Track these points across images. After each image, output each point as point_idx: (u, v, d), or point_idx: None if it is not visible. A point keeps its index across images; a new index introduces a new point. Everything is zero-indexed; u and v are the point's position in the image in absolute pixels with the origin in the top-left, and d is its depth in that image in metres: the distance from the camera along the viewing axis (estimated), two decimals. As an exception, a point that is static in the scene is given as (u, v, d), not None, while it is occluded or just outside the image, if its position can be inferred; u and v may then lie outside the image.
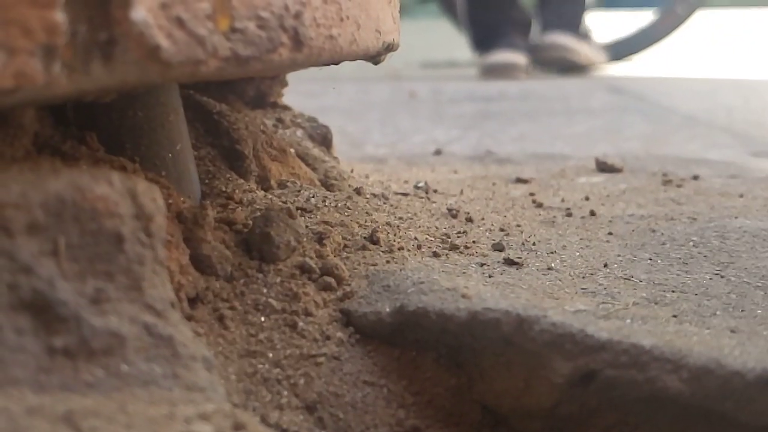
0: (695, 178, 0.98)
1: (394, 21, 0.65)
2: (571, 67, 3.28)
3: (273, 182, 0.71)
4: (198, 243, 0.55)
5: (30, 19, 0.37)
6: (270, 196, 0.67)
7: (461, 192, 0.89)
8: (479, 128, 1.89)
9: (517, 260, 0.65)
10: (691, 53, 4.30)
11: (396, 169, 1.05)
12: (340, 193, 0.73)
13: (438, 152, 1.26)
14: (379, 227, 0.67)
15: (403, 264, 0.62)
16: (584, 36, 3.38)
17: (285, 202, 0.66)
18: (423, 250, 0.66)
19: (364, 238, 0.65)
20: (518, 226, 0.76)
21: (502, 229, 0.74)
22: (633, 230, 0.75)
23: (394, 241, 0.66)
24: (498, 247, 0.69)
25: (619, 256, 0.68)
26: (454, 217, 0.76)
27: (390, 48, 0.65)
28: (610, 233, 0.75)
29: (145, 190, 0.47)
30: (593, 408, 0.53)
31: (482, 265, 0.65)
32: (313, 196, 0.70)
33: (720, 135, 1.74)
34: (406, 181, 0.92)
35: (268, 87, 0.86)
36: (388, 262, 0.63)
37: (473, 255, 0.67)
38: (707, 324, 0.55)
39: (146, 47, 0.41)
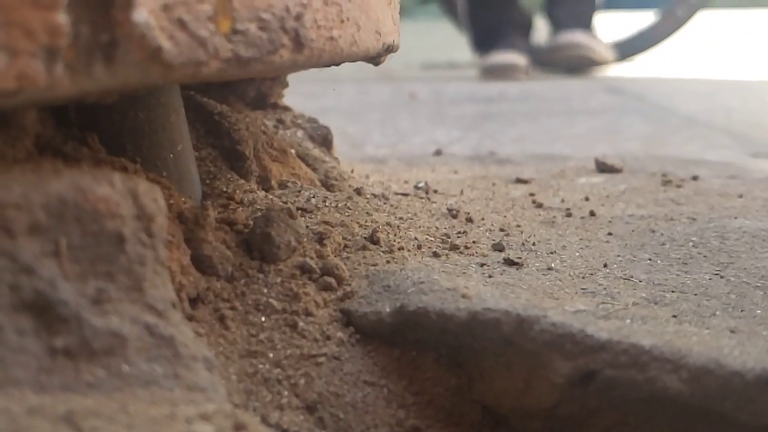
0: (695, 178, 0.98)
1: (394, 22, 0.65)
2: (587, 65, 3.23)
3: (273, 183, 0.72)
4: (199, 243, 0.56)
5: (32, 20, 0.38)
6: (270, 197, 0.67)
7: (461, 192, 0.89)
8: (479, 129, 1.89)
9: (517, 260, 0.65)
10: (691, 54, 4.30)
11: (396, 169, 1.06)
12: (341, 194, 0.74)
13: (438, 153, 1.26)
14: (379, 227, 0.67)
15: (404, 264, 0.62)
16: (596, 35, 3.35)
17: (285, 203, 0.66)
18: (423, 250, 0.67)
19: (365, 238, 0.65)
20: (518, 226, 0.76)
21: (502, 230, 0.74)
22: (633, 230, 0.75)
23: (395, 241, 0.66)
24: (498, 248, 0.69)
25: (618, 256, 0.68)
26: (454, 217, 0.77)
27: (390, 49, 0.65)
28: (609, 233, 0.75)
29: (147, 190, 0.47)
30: (593, 408, 0.53)
31: (482, 265, 0.65)
32: (314, 197, 0.70)
33: (719, 136, 1.74)
34: (406, 182, 0.92)
35: (268, 88, 0.86)
36: (388, 262, 0.63)
37: (473, 255, 0.67)
38: (707, 324, 0.55)
39: (148, 49, 0.41)
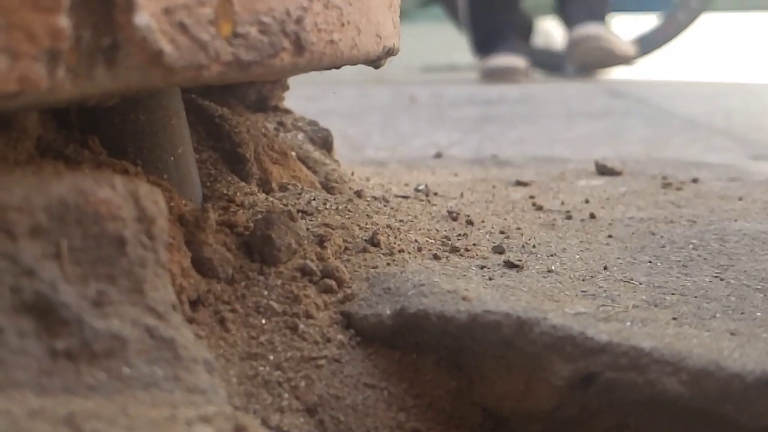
0: (695, 181, 0.98)
1: (394, 26, 0.65)
2: (608, 60, 3.15)
3: (274, 185, 0.72)
4: (199, 246, 0.56)
5: (34, 23, 0.38)
6: (271, 199, 0.67)
7: (461, 195, 0.89)
8: (479, 131, 1.89)
9: (517, 263, 0.65)
10: (692, 57, 4.31)
11: (396, 172, 1.06)
12: (341, 196, 0.74)
13: (438, 155, 1.26)
14: (379, 230, 0.67)
15: (404, 266, 0.63)
16: (609, 29, 3.27)
17: (286, 205, 0.66)
18: (423, 252, 0.67)
19: (365, 240, 0.65)
20: (518, 228, 0.76)
21: (502, 232, 0.74)
22: (633, 233, 0.76)
23: (395, 243, 0.66)
24: (498, 250, 0.69)
25: (618, 258, 0.68)
26: (455, 219, 0.77)
27: (390, 52, 0.65)
28: (609, 236, 0.75)
29: (147, 193, 0.48)
30: (593, 410, 0.53)
31: (482, 267, 0.65)
32: (314, 199, 0.70)
33: (720, 138, 1.75)
34: (406, 184, 0.93)
35: (269, 91, 0.86)
36: (388, 264, 0.63)
37: (473, 257, 0.67)
38: (707, 326, 0.55)
39: (149, 52, 0.41)
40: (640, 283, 0.63)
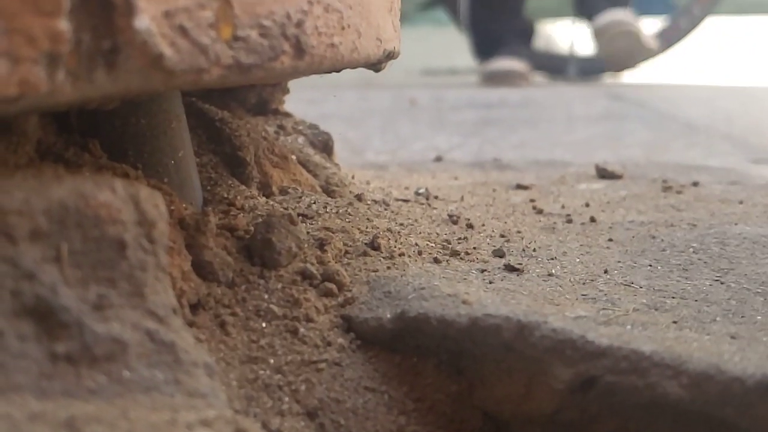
0: (695, 184, 0.98)
1: (394, 29, 0.66)
2: (635, 47, 3.07)
3: (274, 189, 0.72)
4: (200, 249, 0.56)
5: (34, 27, 0.38)
6: (271, 203, 0.67)
7: (462, 198, 0.89)
8: (480, 135, 1.89)
9: (517, 266, 0.65)
10: (692, 60, 4.31)
11: (397, 175, 1.06)
12: (341, 200, 0.74)
13: (438, 159, 1.26)
14: (380, 233, 0.67)
15: (404, 270, 0.63)
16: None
17: (286, 209, 0.66)
18: (424, 256, 0.67)
19: (365, 244, 0.65)
20: (519, 232, 0.76)
21: (502, 236, 0.74)
22: (633, 237, 0.76)
23: (395, 247, 0.66)
24: (498, 254, 0.69)
25: (619, 262, 0.68)
26: (455, 223, 0.77)
27: (391, 56, 0.65)
28: (610, 239, 0.75)
29: (148, 196, 0.48)
30: (594, 414, 0.53)
31: (483, 271, 0.65)
32: (315, 203, 0.70)
33: (720, 142, 1.75)
34: (406, 188, 0.93)
35: (269, 94, 0.86)
36: (389, 268, 0.63)
37: (474, 261, 0.67)
38: (707, 330, 0.55)
39: (149, 55, 0.41)
40: (641, 287, 0.63)
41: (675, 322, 0.56)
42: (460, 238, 0.72)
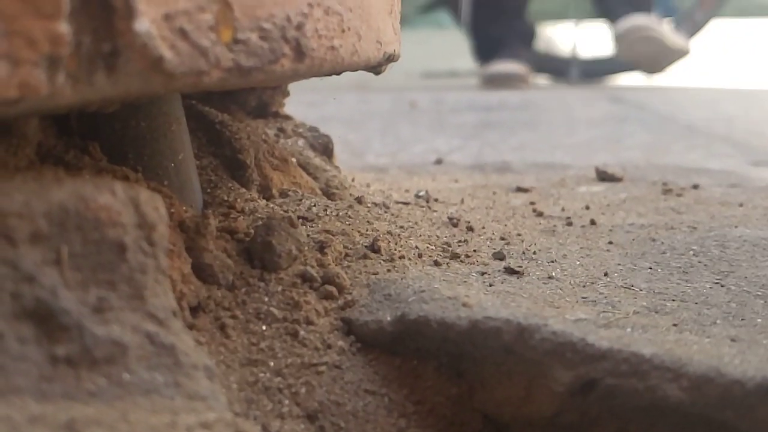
0: (695, 187, 0.98)
1: (394, 32, 0.66)
2: (659, 52, 3.02)
3: (274, 191, 0.72)
4: (200, 252, 0.56)
5: (35, 30, 0.38)
6: (271, 205, 0.67)
7: (462, 201, 0.89)
8: (480, 138, 1.90)
9: (517, 269, 0.65)
10: (693, 63, 4.31)
11: (397, 178, 1.06)
12: (342, 202, 0.74)
13: (439, 161, 1.26)
14: (380, 236, 0.67)
15: (404, 273, 0.63)
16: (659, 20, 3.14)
17: (286, 211, 0.66)
18: (424, 258, 0.67)
19: (366, 246, 0.65)
20: (519, 235, 0.76)
21: (502, 238, 0.74)
22: (633, 239, 0.76)
23: (395, 249, 0.66)
24: (499, 256, 0.69)
25: (619, 265, 0.68)
26: (455, 226, 0.77)
27: (391, 58, 0.65)
28: (610, 242, 0.75)
29: (148, 199, 0.48)
30: (594, 417, 0.53)
31: (483, 273, 0.65)
32: (315, 205, 0.70)
33: (720, 144, 1.75)
34: (407, 190, 0.93)
35: (269, 97, 0.86)
36: (389, 270, 0.63)
37: (474, 264, 0.67)
38: (707, 333, 0.55)
39: (150, 58, 0.41)
40: (641, 290, 0.63)
41: (675, 325, 0.56)
42: (460, 241, 0.72)
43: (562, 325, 0.54)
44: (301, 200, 0.71)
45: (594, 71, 3.61)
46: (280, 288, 0.58)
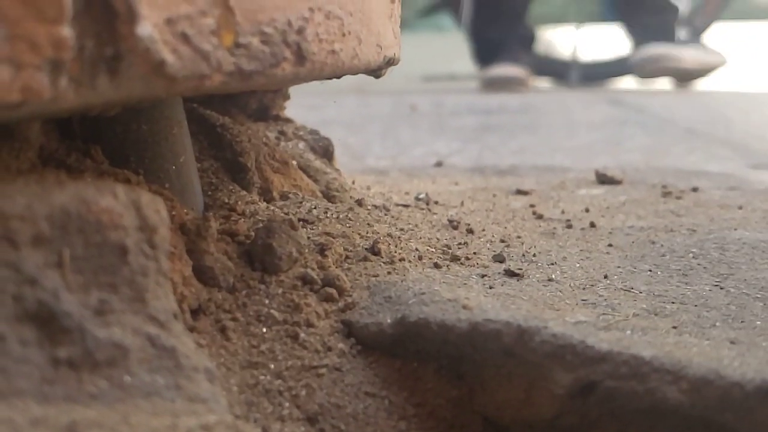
0: (695, 190, 0.98)
1: (395, 36, 0.66)
2: (677, 76, 3.12)
3: (275, 194, 0.72)
4: (201, 254, 0.56)
5: (37, 34, 0.38)
6: (272, 208, 0.67)
7: (462, 203, 0.89)
8: (480, 141, 1.90)
9: (517, 271, 0.66)
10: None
11: (397, 180, 1.06)
12: (342, 205, 0.74)
13: (439, 164, 1.27)
14: (380, 238, 0.67)
15: (405, 275, 0.63)
16: (685, 42, 3.20)
17: (287, 214, 0.66)
18: (424, 261, 0.67)
19: (366, 249, 0.65)
20: (519, 237, 0.76)
21: (502, 241, 0.75)
22: (633, 242, 0.76)
23: (396, 252, 0.66)
24: (499, 259, 0.69)
25: (619, 267, 0.69)
26: (455, 228, 0.77)
27: (391, 62, 0.65)
28: (610, 245, 0.75)
29: (149, 202, 0.48)
30: (594, 419, 0.53)
31: (483, 276, 0.65)
32: (315, 208, 0.70)
33: (719, 147, 1.75)
34: (407, 193, 0.93)
35: (270, 100, 0.86)
36: (389, 273, 0.63)
37: (474, 266, 0.67)
38: (707, 335, 0.55)
39: (152, 62, 0.41)
40: (640, 292, 0.63)
41: (675, 327, 0.56)
42: (460, 243, 0.72)
43: (562, 328, 0.54)
44: (301, 203, 0.71)
45: (594, 74, 3.62)
46: (280, 290, 0.58)
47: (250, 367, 0.53)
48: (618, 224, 0.82)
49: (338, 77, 0.59)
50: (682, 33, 3.39)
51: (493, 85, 3.19)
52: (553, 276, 0.66)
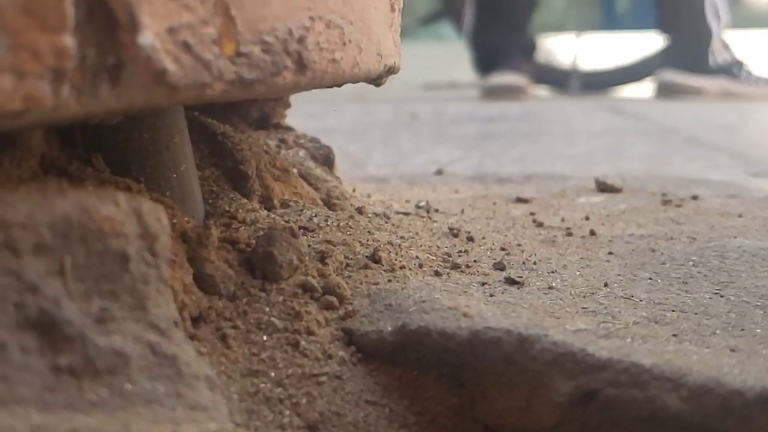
0: (695, 198, 0.98)
1: (395, 44, 0.66)
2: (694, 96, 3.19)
3: (276, 202, 0.72)
4: (201, 262, 0.56)
5: (40, 43, 0.38)
6: (273, 216, 0.67)
7: (462, 211, 0.89)
8: (480, 149, 1.90)
9: (518, 279, 0.66)
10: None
11: (397, 188, 1.06)
12: (342, 213, 0.74)
13: (439, 172, 1.27)
14: (380, 246, 0.67)
15: (405, 283, 0.63)
16: (717, 69, 3.25)
17: (287, 222, 0.67)
18: (424, 269, 0.67)
19: (366, 257, 0.65)
20: (519, 245, 0.76)
21: (503, 249, 0.75)
22: (633, 250, 0.76)
23: (396, 260, 0.66)
24: (499, 267, 0.69)
25: (619, 275, 0.69)
26: (456, 236, 0.77)
27: (391, 71, 0.66)
28: (610, 253, 0.75)
29: (150, 210, 0.48)
30: (594, 427, 0.53)
31: (483, 284, 0.65)
32: (316, 216, 0.71)
33: (720, 155, 1.75)
34: (407, 201, 0.93)
35: (271, 108, 0.87)
36: (389, 281, 0.63)
37: (474, 274, 0.67)
38: (707, 343, 0.55)
39: (153, 71, 0.42)
40: (641, 300, 0.63)
41: (675, 335, 0.56)
42: (460, 251, 0.73)
43: (562, 336, 0.54)
44: (302, 211, 0.71)
45: (595, 83, 3.62)
46: (281, 298, 0.58)
47: (251, 375, 0.53)
48: (618, 232, 0.82)
49: (339, 86, 0.59)
50: (720, 55, 3.35)
51: (493, 93, 3.20)
52: (554, 284, 0.66)
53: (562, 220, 0.87)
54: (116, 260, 0.46)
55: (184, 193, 0.61)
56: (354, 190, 0.90)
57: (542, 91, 3.59)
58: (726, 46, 3.30)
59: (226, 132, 0.72)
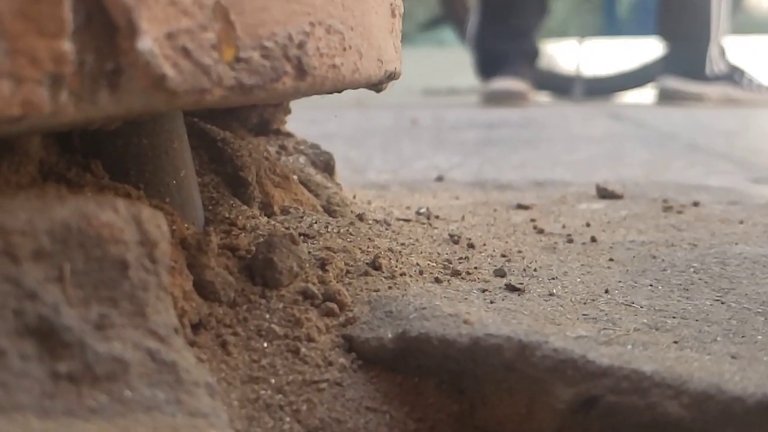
0: (696, 204, 0.98)
1: (395, 50, 0.66)
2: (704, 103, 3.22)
3: (276, 208, 0.72)
4: (201, 269, 0.56)
5: (38, 48, 0.38)
6: (273, 222, 0.67)
7: (463, 218, 0.89)
8: (481, 155, 1.90)
9: (518, 286, 0.65)
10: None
11: (398, 195, 1.06)
12: (343, 219, 0.74)
13: (440, 178, 1.27)
14: (381, 253, 0.67)
15: (405, 290, 0.63)
16: (717, 75, 3.26)
17: (288, 228, 0.66)
18: (425, 275, 0.67)
19: (367, 263, 0.65)
20: (519, 252, 0.76)
21: (503, 255, 0.74)
22: (634, 256, 0.76)
23: (396, 266, 0.66)
24: (499, 273, 0.69)
25: (620, 282, 0.68)
26: (456, 243, 0.77)
27: (392, 76, 0.66)
28: (611, 259, 0.75)
29: (150, 216, 0.48)
30: (595, 434, 0.53)
31: (484, 290, 0.65)
32: (316, 222, 0.70)
33: (720, 161, 1.75)
34: (407, 207, 0.93)
35: (271, 114, 0.87)
36: (390, 287, 0.63)
37: (475, 281, 0.67)
38: (708, 350, 0.55)
39: (152, 76, 0.41)
40: (641, 307, 0.63)
41: (676, 342, 0.56)
42: (461, 258, 0.72)
43: (563, 342, 0.54)
44: (302, 217, 0.71)
45: (596, 89, 3.62)
46: (281, 305, 0.58)
47: (251, 382, 0.53)
48: (619, 239, 0.82)
49: (339, 91, 0.59)
50: (718, 64, 3.33)
51: (494, 98, 3.20)
52: (554, 291, 0.66)
53: (563, 226, 0.87)
54: (115, 267, 0.46)
55: (184, 200, 0.61)
56: (354, 197, 0.90)
57: (543, 97, 3.60)
58: (725, 54, 3.31)
59: (225, 138, 0.72)
